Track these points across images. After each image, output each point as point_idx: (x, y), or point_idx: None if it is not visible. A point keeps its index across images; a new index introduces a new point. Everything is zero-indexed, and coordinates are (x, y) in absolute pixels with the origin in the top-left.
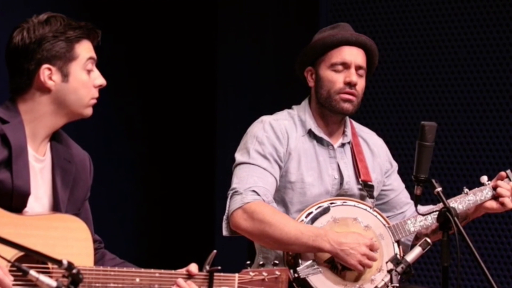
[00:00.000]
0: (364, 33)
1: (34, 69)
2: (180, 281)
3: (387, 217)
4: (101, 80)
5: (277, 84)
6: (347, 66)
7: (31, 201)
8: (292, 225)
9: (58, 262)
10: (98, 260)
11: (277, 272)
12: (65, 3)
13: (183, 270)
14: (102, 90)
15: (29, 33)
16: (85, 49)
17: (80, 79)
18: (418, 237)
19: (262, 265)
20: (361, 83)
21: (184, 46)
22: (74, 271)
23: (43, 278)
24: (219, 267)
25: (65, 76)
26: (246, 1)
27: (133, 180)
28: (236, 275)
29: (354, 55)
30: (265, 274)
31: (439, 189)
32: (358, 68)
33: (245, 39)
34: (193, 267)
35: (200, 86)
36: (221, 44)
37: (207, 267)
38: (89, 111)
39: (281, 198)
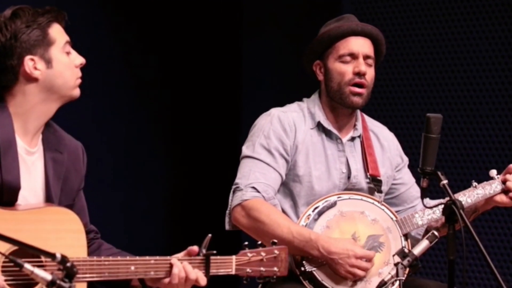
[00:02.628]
0: (387, 25)
1: (18, 64)
2: (175, 261)
3: (398, 211)
4: (80, 59)
5: (301, 78)
6: (355, 57)
7: (25, 195)
8: (285, 227)
9: (52, 256)
10: (95, 250)
11: (275, 251)
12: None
13: (179, 255)
14: (131, 86)
15: (1, 31)
16: (58, 33)
17: (63, 61)
18: (428, 230)
19: (261, 245)
20: (370, 73)
21: (210, 40)
22: (68, 264)
23: (38, 271)
24: (215, 251)
25: (48, 62)
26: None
27: (161, 177)
28: (233, 257)
29: (361, 45)
30: (263, 254)
31: (445, 181)
32: (366, 57)
33: (270, 33)
34: (193, 247)
35: (226, 80)
36: (246, 38)
37: (204, 251)
38: (77, 92)
39: (289, 191)
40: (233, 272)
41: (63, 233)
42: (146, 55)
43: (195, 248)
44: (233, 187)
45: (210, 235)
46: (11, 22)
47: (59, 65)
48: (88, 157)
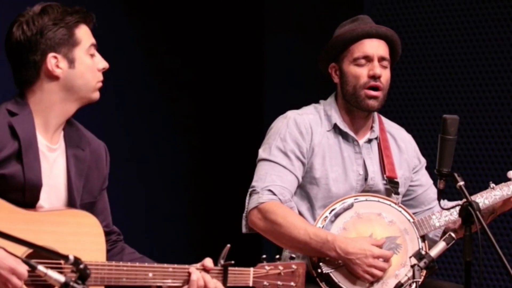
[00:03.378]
0: (408, 26)
1: (40, 60)
2: (193, 270)
3: (415, 213)
4: (103, 64)
5: (323, 79)
6: (369, 59)
7: (46, 191)
8: (302, 228)
9: (65, 257)
10: (118, 253)
11: (293, 266)
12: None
13: (197, 265)
14: (154, 88)
15: (29, 26)
16: (85, 34)
17: (86, 63)
18: (445, 231)
19: (279, 259)
20: (385, 75)
21: (231, 42)
22: (81, 266)
23: (51, 273)
24: (233, 262)
25: (71, 62)
26: None
27: (184, 177)
28: (251, 269)
29: (375, 47)
30: (281, 268)
31: (461, 183)
32: (381, 59)
33: (291, 34)
34: (208, 262)
35: (248, 81)
36: (267, 39)
37: (222, 262)
38: (96, 95)
39: (306, 193)
40: (251, 284)
41: (83, 237)
42: (169, 57)
43: (209, 264)
44: (250, 190)
45: (228, 245)
46: (39, 17)
47: (81, 66)
48: (111, 159)
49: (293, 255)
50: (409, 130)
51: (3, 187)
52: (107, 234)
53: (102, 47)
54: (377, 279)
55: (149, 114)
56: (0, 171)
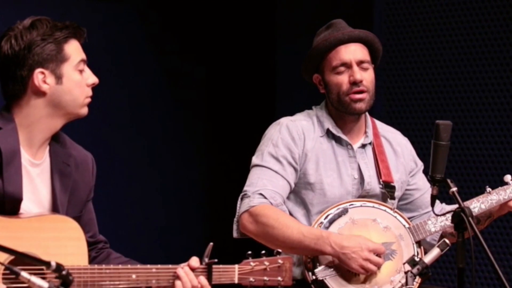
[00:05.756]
0: (418, 30)
1: (28, 75)
2: (180, 270)
3: (413, 217)
4: (93, 79)
5: None
6: (348, 65)
7: (30, 206)
8: (295, 228)
9: (46, 264)
10: (104, 259)
11: (279, 261)
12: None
13: (182, 265)
14: (168, 86)
15: (17, 40)
16: (75, 50)
17: (74, 79)
18: (443, 236)
19: (264, 254)
20: (368, 77)
21: (244, 45)
22: (64, 272)
23: (35, 279)
24: (216, 260)
25: (58, 78)
26: (303, 2)
27: (196, 176)
28: (236, 266)
29: (351, 52)
30: (266, 263)
31: (454, 189)
32: (360, 63)
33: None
34: (194, 261)
35: (260, 82)
36: (280, 45)
37: (206, 260)
38: (84, 111)
39: (301, 199)
40: (236, 281)
41: (64, 241)
42: (183, 57)
43: (195, 263)
44: (241, 194)
45: (211, 243)
46: (28, 32)
47: (69, 82)
48: (122, 160)
49: (279, 250)
50: (406, 135)
51: None
52: (93, 243)
53: (114, 49)
54: (372, 285)
55: (161, 115)
56: None
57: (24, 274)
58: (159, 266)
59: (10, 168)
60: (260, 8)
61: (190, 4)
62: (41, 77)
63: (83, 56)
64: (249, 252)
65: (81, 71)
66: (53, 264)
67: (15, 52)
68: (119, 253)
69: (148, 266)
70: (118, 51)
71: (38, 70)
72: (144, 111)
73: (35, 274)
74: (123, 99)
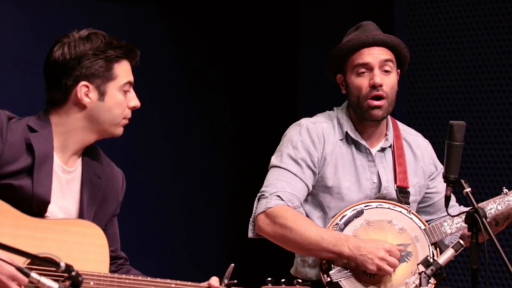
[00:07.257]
0: (439, 32)
1: (72, 85)
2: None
3: (433, 219)
4: (135, 102)
5: None
6: (370, 68)
7: (56, 210)
8: (313, 230)
9: (56, 265)
10: (124, 274)
11: None
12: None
13: (204, 284)
14: (190, 93)
15: (69, 49)
16: (124, 71)
17: (116, 99)
18: (462, 238)
19: (284, 282)
20: (388, 82)
21: (266, 48)
22: (73, 273)
23: (45, 280)
24: (235, 281)
25: (101, 95)
26: (325, 4)
27: (220, 181)
28: None
29: (374, 55)
30: None
31: (467, 189)
32: (382, 65)
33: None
34: (214, 281)
35: (282, 85)
36: (302, 47)
37: (226, 281)
38: (120, 131)
39: (318, 202)
40: None
41: (87, 247)
42: (205, 60)
43: (215, 283)
44: (258, 195)
45: (232, 265)
46: (81, 43)
47: (110, 101)
48: (147, 165)
49: (299, 280)
50: (425, 137)
51: (12, 197)
52: (114, 258)
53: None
54: (387, 287)
55: (185, 118)
56: (9, 181)
57: (34, 274)
58: (178, 282)
59: (42, 171)
60: (282, 9)
61: (212, 7)
62: (85, 90)
63: (130, 78)
64: (269, 279)
65: (125, 92)
66: (63, 265)
67: (65, 60)
68: (138, 269)
69: (168, 280)
70: (140, 54)
71: (83, 83)
72: (166, 113)
73: (51, 276)
74: (146, 104)
